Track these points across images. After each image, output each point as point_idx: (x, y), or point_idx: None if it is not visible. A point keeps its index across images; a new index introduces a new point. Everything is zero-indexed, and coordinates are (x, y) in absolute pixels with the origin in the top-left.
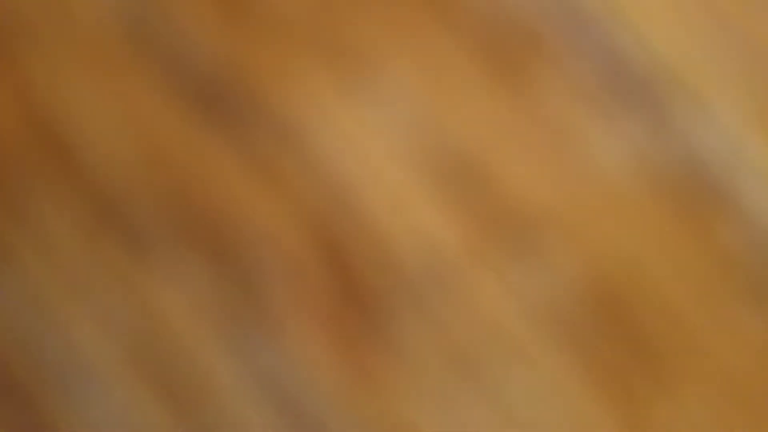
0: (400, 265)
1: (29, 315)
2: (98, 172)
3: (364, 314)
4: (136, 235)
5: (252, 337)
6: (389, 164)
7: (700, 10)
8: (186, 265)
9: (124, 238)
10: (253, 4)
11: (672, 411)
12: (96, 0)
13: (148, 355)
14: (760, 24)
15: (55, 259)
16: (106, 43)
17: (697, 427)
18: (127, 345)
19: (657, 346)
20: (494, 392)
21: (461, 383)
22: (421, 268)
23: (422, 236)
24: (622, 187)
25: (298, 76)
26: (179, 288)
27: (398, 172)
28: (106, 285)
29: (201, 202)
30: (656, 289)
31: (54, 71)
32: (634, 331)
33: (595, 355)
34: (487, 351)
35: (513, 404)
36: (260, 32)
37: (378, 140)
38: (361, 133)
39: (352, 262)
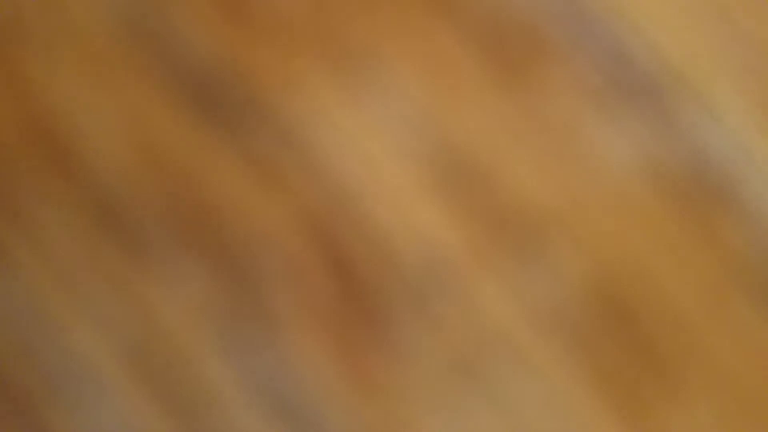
0: (401, 267)
1: (26, 318)
2: (96, 173)
3: (364, 317)
4: (134, 236)
5: (251, 339)
6: (390, 164)
7: (705, 9)
8: (185, 266)
9: (122, 239)
10: (252, 3)
11: (677, 414)
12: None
13: (147, 358)
14: (766, 23)
15: (51, 261)
16: (105, 43)
17: (703, 431)
18: (125, 348)
19: (663, 349)
20: (496, 396)
21: (463, 386)
22: (423, 269)
23: (424, 237)
24: (627, 187)
25: (298, 76)
26: (178, 290)
27: (400, 172)
28: (104, 287)
29: (200, 203)
30: (662, 291)
31: (52, 71)
32: (639, 334)
33: (600, 358)
34: (489, 354)
35: (516, 408)
36: (260, 32)
37: (379, 140)
38: (362, 133)
39: (352, 264)
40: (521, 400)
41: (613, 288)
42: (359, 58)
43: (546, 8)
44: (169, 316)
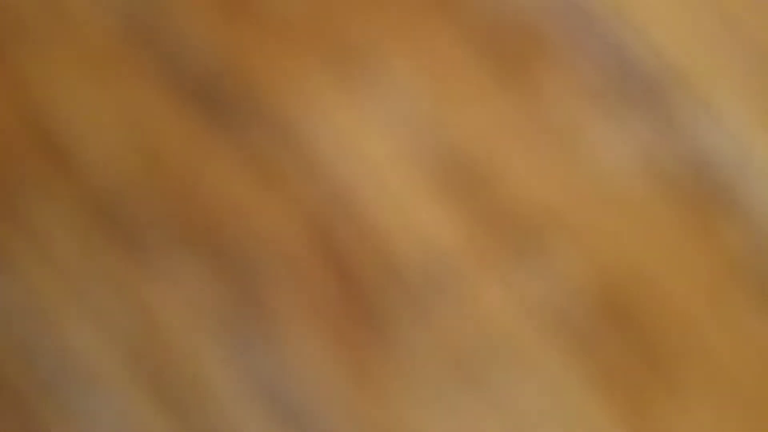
0: (401, 267)
1: (25, 319)
2: (95, 173)
3: (364, 317)
4: (134, 236)
5: (251, 340)
6: (390, 164)
7: (706, 9)
8: (184, 267)
9: (121, 239)
10: (252, 3)
11: (679, 415)
12: None
13: (146, 359)
14: (767, 24)
15: (51, 261)
16: (104, 43)
17: (703, 431)
18: (125, 348)
19: (663, 349)
20: (496, 397)
21: (463, 387)
22: (423, 269)
23: (424, 237)
24: (627, 187)
25: (298, 76)
26: (177, 291)
27: (399, 172)
28: (103, 288)
29: (199, 203)
30: (662, 291)
31: (50, 71)
32: (639, 335)
33: (600, 359)
34: (489, 354)
35: (516, 407)
36: (260, 32)
37: (379, 140)
38: (361, 133)
39: (352, 264)
40: (521, 400)
41: (614, 288)
42: (359, 58)
43: (546, 8)
44: (169, 315)
